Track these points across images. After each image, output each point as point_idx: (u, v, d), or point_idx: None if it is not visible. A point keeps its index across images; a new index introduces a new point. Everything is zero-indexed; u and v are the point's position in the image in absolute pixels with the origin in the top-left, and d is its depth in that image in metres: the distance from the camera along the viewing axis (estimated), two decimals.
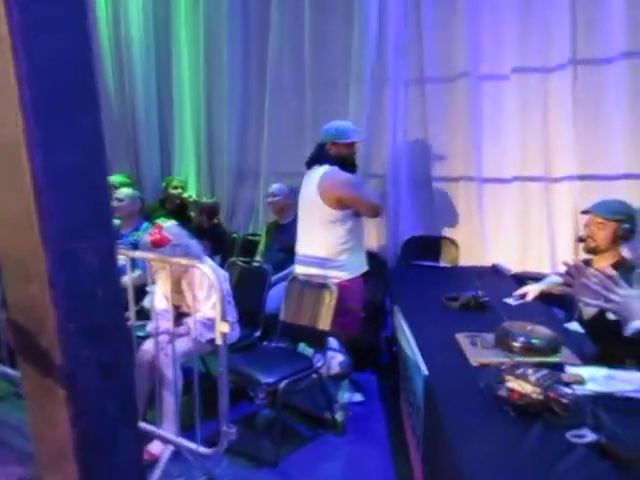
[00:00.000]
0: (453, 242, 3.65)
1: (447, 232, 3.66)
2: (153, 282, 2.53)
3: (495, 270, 3.37)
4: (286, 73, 3.98)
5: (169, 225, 2.84)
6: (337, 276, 2.92)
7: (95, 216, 0.76)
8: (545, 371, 1.67)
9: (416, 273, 3.46)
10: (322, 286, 2.91)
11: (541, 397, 1.56)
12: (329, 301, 2.86)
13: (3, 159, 0.72)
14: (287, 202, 3.75)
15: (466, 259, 3.55)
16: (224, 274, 2.88)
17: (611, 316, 1.75)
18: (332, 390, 3.01)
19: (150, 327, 2.60)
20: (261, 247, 3.91)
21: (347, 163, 2.96)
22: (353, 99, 3.68)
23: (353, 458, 2.72)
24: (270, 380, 2.63)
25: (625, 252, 2.56)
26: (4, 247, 0.76)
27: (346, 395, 3.05)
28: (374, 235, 3.79)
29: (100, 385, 0.73)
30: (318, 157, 2.98)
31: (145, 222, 3.60)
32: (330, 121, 3.09)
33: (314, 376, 2.90)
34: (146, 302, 2.98)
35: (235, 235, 4.38)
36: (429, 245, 3.70)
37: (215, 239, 3.97)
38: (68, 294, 0.72)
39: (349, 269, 2.96)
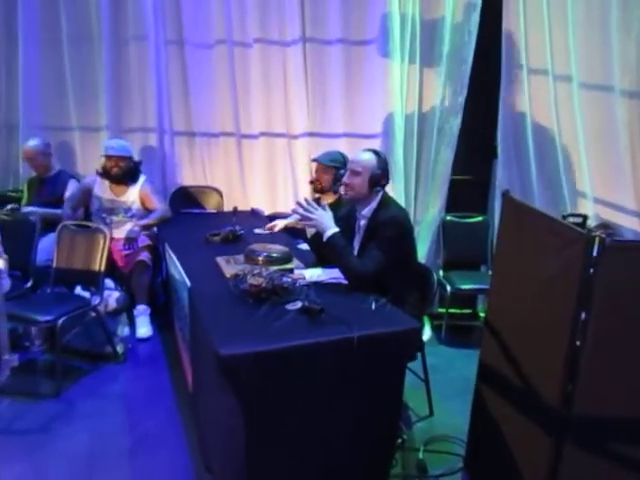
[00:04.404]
0: (217, 191, 4.17)
1: (212, 182, 4.15)
2: None
3: (253, 213, 3.99)
4: (40, 25, 3.86)
5: None
6: None
7: None
8: (274, 269, 2.31)
9: (185, 219, 3.88)
10: (95, 231, 3.14)
11: (269, 285, 2.18)
12: (103, 244, 3.11)
13: None
14: (45, 157, 3.78)
15: (229, 205, 4.08)
16: None
17: (311, 230, 2.47)
18: (111, 326, 3.31)
19: None
20: (24, 202, 3.85)
21: None
22: (115, 55, 3.84)
23: (132, 378, 3.09)
24: (47, 318, 2.80)
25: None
26: None
27: (126, 329, 3.38)
28: None
29: None
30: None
31: None
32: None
33: (93, 315, 3.15)
34: None
35: None
36: (196, 194, 4.15)
37: None
38: None
39: None
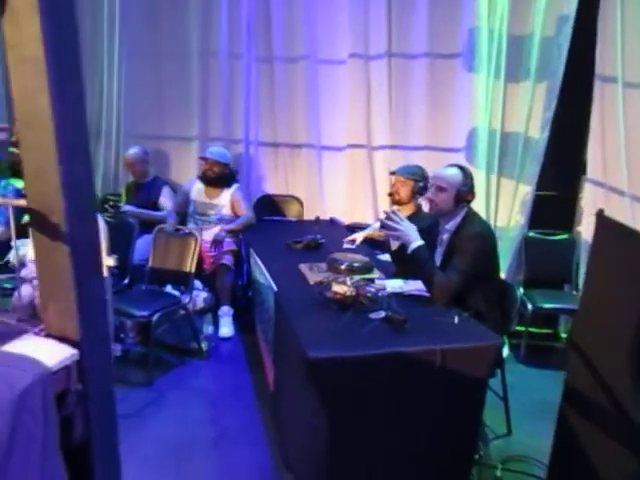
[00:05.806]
0: (298, 200, 4.32)
1: (293, 191, 4.31)
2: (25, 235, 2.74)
3: (332, 222, 4.10)
4: (143, 39, 4.18)
5: None
6: None
7: None
8: (358, 278, 2.39)
9: (267, 226, 4.05)
10: (188, 234, 3.37)
11: (354, 293, 2.26)
12: (194, 247, 3.33)
13: None
14: (143, 164, 4.09)
15: (309, 214, 4.23)
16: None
17: (394, 243, 2.52)
18: (197, 324, 3.52)
19: (24, 273, 2.81)
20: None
21: None
22: (207, 70, 4.10)
23: (215, 374, 3.27)
24: (144, 313, 3.04)
25: (422, 204, 3.42)
26: None
27: (210, 327, 3.58)
28: None
29: None
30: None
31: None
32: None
33: (182, 312, 3.37)
34: (11, 256, 3.13)
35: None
36: (278, 203, 4.33)
37: None
38: None
39: None
